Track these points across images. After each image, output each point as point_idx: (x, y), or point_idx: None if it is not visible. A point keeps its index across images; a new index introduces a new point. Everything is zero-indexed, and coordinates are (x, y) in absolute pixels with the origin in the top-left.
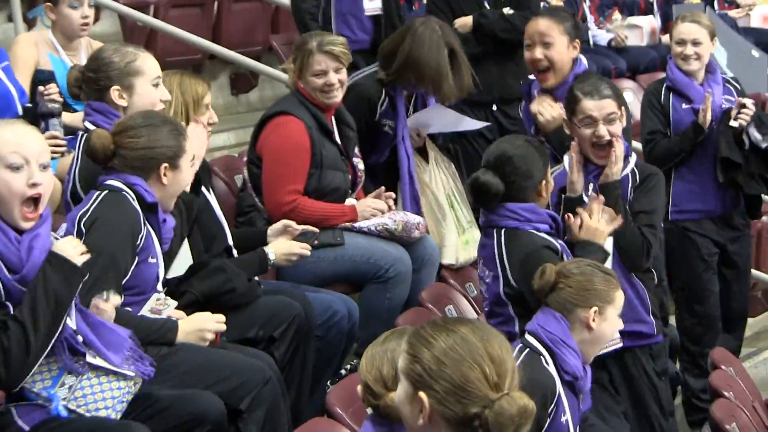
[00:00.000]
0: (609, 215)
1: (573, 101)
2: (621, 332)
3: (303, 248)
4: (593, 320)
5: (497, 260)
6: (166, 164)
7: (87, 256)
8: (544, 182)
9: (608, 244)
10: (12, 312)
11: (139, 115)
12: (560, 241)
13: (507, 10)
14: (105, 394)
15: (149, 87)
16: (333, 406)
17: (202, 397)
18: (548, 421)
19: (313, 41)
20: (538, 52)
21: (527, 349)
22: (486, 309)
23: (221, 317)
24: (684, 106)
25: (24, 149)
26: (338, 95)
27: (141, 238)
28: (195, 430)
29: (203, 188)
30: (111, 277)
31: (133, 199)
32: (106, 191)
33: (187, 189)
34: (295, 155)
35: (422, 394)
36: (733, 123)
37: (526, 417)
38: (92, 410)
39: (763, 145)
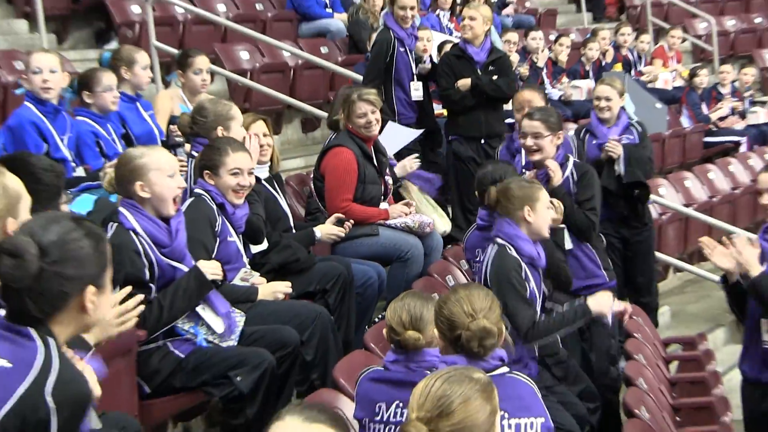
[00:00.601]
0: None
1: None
2: (580, 288)
3: (340, 231)
4: (529, 215)
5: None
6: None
7: (218, 276)
8: None
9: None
10: (156, 295)
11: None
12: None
13: (494, 78)
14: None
15: (240, 128)
16: (369, 343)
17: (283, 329)
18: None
19: (354, 94)
20: (530, 141)
21: (497, 246)
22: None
23: (288, 283)
24: (593, 142)
25: (173, 164)
26: (376, 129)
27: (218, 225)
28: (279, 351)
29: (271, 187)
30: (203, 252)
31: (210, 200)
32: (194, 197)
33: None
34: (347, 174)
35: (435, 330)
36: (602, 155)
37: (486, 333)
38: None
39: (624, 179)
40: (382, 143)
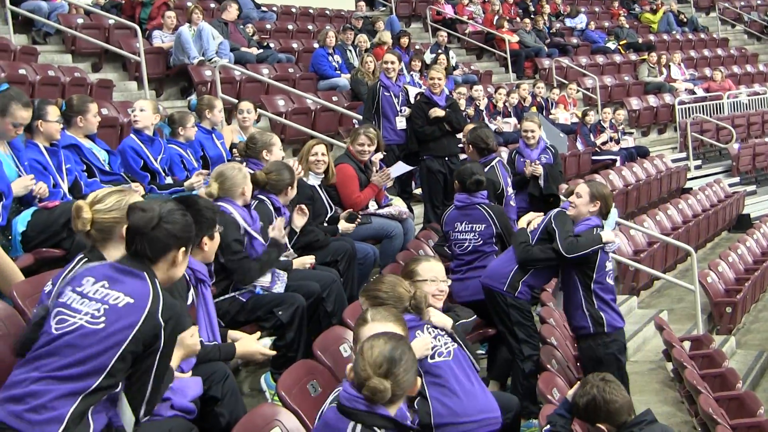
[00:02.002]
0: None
1: None
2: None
3: (352, 226)
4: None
5: (488, 218)
6: (290, 186)
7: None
8: None
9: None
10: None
11: (272, 164)
12: None
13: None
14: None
15: (279, 151)
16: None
17: (311, 284)
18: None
19: (361, 129)
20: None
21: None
22: (476, 245)
23: (312, 257)
24: (521, 159)
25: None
26: (367, 156)
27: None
28: (308, 297)
29: (321, 191)
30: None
31: (270, 204)
32: (258, 201)
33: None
34: (353, 180)
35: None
36: (526, 173)
37: (427, 297)
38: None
39: (544, 191)
40: (393, 173)
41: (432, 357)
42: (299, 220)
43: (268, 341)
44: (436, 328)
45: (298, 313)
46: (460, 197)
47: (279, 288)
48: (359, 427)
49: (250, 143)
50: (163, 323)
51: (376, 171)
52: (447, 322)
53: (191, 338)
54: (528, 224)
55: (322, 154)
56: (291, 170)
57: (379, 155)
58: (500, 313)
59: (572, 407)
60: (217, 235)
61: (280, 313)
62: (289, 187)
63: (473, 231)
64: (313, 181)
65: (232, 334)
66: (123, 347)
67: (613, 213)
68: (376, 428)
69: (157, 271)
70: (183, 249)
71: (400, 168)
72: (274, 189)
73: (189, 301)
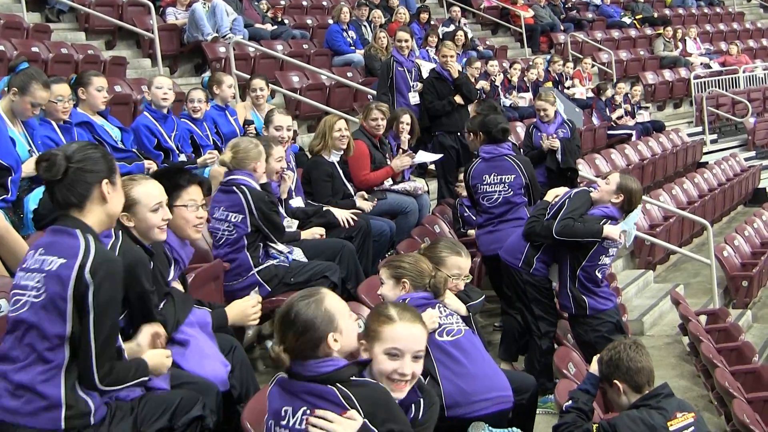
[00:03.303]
0: None
1: None
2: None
3: (369, 206)
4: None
5: (517, 168)
6: (256, 160)
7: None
8: None
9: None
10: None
11: (235, 141)
12: None
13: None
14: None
15: (275, 162)
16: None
17: (322, 264)
18: None
19: (373, 104)
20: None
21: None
22: (507, 196)
23: (323, 229)
24: (538, 134)
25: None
26: (381, 130)
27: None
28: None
29: (340, 168)
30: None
31: (256, 181)
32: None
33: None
34: (363, 158)
35: (404, 280)
36: (544, 146)
37: (447, 281)
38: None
39: (561, 165)
40: (417, 159)
41: (441, 335)
42: (365, 205)
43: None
44: (448, 309)
45: (345, 254)
46: (487, 149)
47: (298, 256)
48: None
49: (231, 151)
50: (90, 278)
51: (403, 152)
52: (461, 307)
53: (160, 357)
54: (554, 198)
55: (345, 129)
56: (255, 143)
57: (409, 141)
58: (516, 290)
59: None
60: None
61: (332, 277)
62: (257, 162)
63: (503, 182)
64: (334, 158)
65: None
66: (68, 311)
67: (635, 214)
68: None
69: (91, 216)
70: (106, 181)
71: (425, 156)
72: (241, 165)
73: (170, 277)
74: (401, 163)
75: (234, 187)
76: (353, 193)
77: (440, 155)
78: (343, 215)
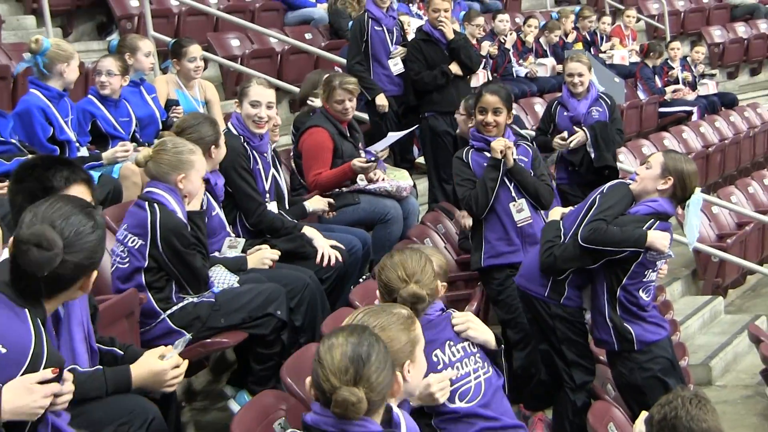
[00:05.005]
0: None
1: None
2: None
3: (325, 203)
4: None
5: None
6: (213, 145)
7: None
8: None
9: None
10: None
11: (187, 118)
12: None
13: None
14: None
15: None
16: (354, 301)
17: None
18: None
19: (336, 80)
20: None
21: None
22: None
23: (277, 252)
24: (564, 113)
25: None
26: (351, 114)
27: (204, 203)
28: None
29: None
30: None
31: (179, 201)
32: None
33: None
34: (321, 151)
35: (378, 291)
36: (555, 145)
37: (416, 298)
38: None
39: (595, 163)
40: (380, 146)
41: (452, 400)
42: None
43: (176, 350)
44: (461, 340)
45: (305, 296)
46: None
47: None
48: None
49: (153, 151)
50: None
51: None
52: (489, 338)
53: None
54: (561, 216)
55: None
56: (213, 122)
57: (385, 153)
58: (543, 327)
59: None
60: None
61: (278, 312)
62: (213, 147)
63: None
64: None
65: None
66: None
67: (696, 201)
68: None
69: (54, 302)
70: (95, 272)
71: (390, 138)
72: (160, 174)
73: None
74: (362, 165)
75: (145, 203)
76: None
77: (412, 128)
78: (326, 246)
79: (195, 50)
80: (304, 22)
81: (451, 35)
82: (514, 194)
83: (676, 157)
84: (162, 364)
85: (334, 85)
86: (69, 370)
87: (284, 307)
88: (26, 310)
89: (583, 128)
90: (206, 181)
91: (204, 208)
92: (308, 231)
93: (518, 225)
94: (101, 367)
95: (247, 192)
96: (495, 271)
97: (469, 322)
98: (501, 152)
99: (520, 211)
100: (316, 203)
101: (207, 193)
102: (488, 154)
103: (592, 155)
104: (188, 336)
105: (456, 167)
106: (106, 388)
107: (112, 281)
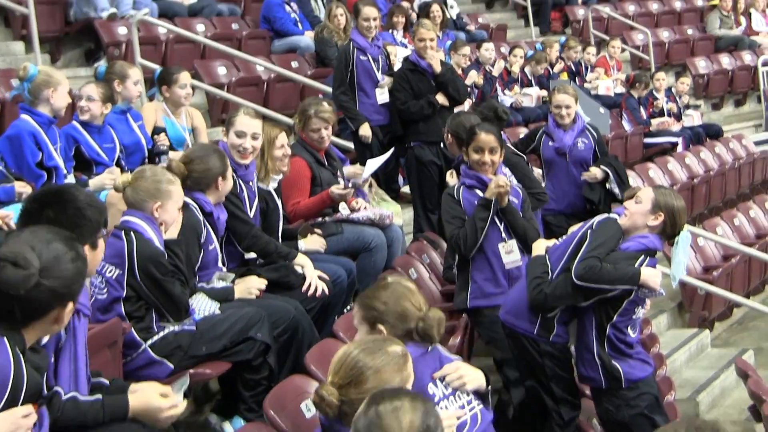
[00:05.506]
0: None
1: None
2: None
3: (321, 246)
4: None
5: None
6: (221, 176)
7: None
8: None
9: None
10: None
11: (195, 149)
12: None
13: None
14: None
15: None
16: (338, 332)
17: (250, 313)
18: None
19: (311, 109)
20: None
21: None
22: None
23: (264, 281)
24: (550, 144)
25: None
26: (327, 142)
27: (203, 235)
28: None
29: (277, 196)
30: (187, 266)
31: (198, 210)
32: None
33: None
34: (298, 180)
35: (380, 326)
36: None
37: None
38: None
39: (621, 196)
40: (363, 175)
41: None
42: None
43: (177, 393)
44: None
45: (290, 326)
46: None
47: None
48: None
49: (131, 178)
50: None
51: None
52: (480, 379)
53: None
54: (546, 250)
55: (288, 146)
56: (221, 155)
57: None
58: (532, 364)
59: None
60: (101, 244)
61: (258, 335)
62: (220, 179)
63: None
64: (272, 184)
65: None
66: None
67: (685, 238)
68: None
69: (30, 331)
70: (71, 304)
71: (372, 165)
72: (200, 184)
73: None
74: (340, 192)
75: (122, 232)
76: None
77: (389, 151)
78: (315, 276)
79: (185, 77)
80: (291, 51)
81: (438, 69)
82: (504, 235)
83: (667, 193)
84: (161, 402)
85: (310, 114)
86: (69, 399)
87: (265, 329)
88: (5, 338)
89: (601, 167)
90: (209, 214)
91: (203, 240)
92: (301, 259)
93: (506, 267)
94: (101, 396)
95: (238, 215)
96: (484, 310)
97: (462, 377)
98: (499, 193)
99: (510, 252)
100: (311, 243)
101: (209, 225)
102: (480, 192)
103: (616, 190)
104: (187, 379)
105: (446, 204)
106: (103, 415)
107: (92, 312)
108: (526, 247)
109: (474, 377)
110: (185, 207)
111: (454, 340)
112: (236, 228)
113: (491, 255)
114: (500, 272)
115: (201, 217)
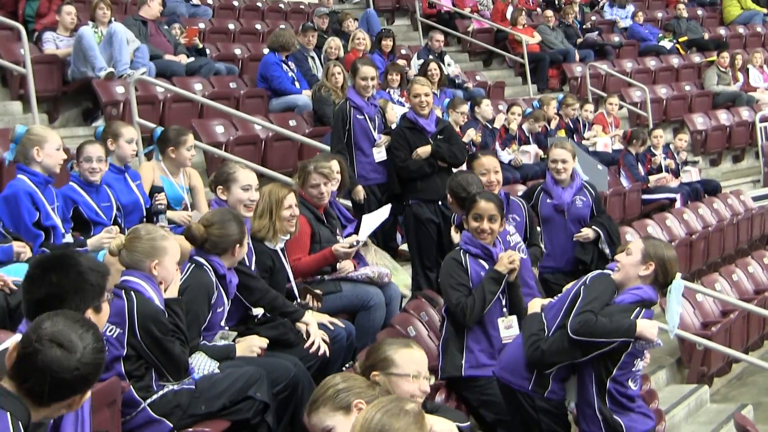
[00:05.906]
0: None
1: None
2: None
3: (318, 305)
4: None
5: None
6: (238, 243)
7: None
8: None
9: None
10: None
11: (215, 213)
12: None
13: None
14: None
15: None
16: None
17: (249, 372)
18: None
19: (310, 165)
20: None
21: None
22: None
23: (265, 340)
24: (548, 201)
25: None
26: (326, 199)
27: (214, 297)
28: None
29: (283, 258)
30: (194, 326)
31: (211, 271)
32: (195, 265)
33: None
34: (298, 237)
35: (357, 402)
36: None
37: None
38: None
39: (611, 257)
40: (360, 235)
41: None
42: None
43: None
44: None
45: (290, 384)
46: (467, 238)
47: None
48: None
49: (126, 239)
50: None
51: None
52: (452, 429)
53: None
54: (542, 308)
55: (296, 206)
56: (240, 222)
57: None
58: (527, 420)
59: None
60: (105, 307)
61: (257, 394)
62: (237, 245)
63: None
64: (279, 244)
65: None
66: None
67: (677, 287)
68: None
69: (45, 410)
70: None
71: (371, 222)
72: (217, 248)
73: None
74: (345, 250)
75: (122, 291)
76: (296, 295)
77: (386, 207)
78: (318, 335)
79: (192, 139)
80: (288, 109)
81: (428, 151)
82: (505, 309)
83: (656, 243)
84: None
85: (309, 170)
86: None
87: (264, 389)
88: (8, 413)
89: (593, 227)
90: (222, 276)
91: (213, 301)
92: (308, 317)
93: (503, 341)
94: None
95: (244, 270)
96: (480, 379)
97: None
98: (509, 267)
99: (509, 327)
100: (247, 349)
101: (221, 287)
102: (484, 263)
103: (607, 251)
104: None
105: (451, 268)
106: None
107: None
108: (519, 320)
109: (445, 427)
110: (199, 267)
111: (439, 396)
112: (247, 282)
113: (489, 327)
114: (497, 344)
115: (214, 279)
